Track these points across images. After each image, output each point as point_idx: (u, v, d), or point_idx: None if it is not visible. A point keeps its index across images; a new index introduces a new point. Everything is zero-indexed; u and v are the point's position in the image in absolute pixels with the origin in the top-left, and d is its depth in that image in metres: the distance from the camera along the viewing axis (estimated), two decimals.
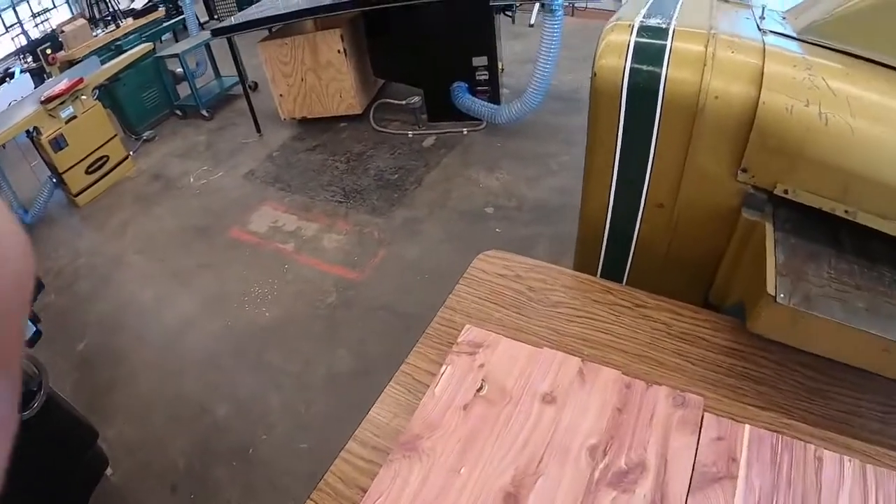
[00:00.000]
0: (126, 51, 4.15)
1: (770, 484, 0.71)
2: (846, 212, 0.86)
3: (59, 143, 3.38)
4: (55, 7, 7.64)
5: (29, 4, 7.32)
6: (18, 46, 6.58)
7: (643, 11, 1.05)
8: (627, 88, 0.97)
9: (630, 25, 0.99)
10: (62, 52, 4.43)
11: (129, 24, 4.79)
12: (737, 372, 0.90)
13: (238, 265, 2.90)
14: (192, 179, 3.69)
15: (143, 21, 4.80)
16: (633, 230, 1.18)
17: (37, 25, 7.31)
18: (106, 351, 2.50)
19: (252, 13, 3.74)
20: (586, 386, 0.87)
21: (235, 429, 2.09)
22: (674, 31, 0.97)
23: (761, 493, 0.70)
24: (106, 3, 5.33)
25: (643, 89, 0.95)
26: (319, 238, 3.00)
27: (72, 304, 2.85)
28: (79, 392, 2.30)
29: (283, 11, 3.44)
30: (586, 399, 0.84)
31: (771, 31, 1.00)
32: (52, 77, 4.24)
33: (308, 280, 2.73)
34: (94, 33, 4.63)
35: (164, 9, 5.28)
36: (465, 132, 3.67)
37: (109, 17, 5.14)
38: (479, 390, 0.89)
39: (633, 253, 1.23)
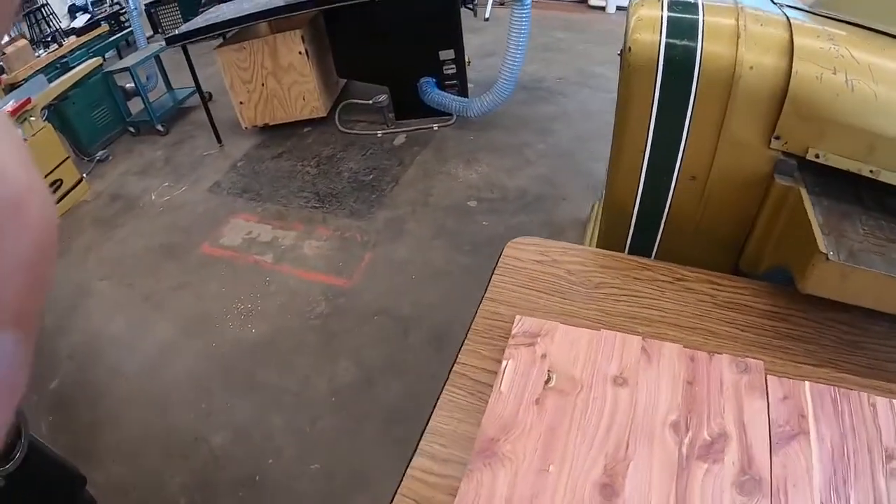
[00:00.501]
0: (73, 68, 3.92)
1: (838, 434, 0.74)
2: (871, 171, 0.91)
3: None
4: None
5: None
6: None
7: None
8: (664, 63, 0.97)
9: (659, 0, 1.01)
10: (4, 74, 4.18)
11: (72, 41, 4.55)
12: (782, 333, 0.92)
13: (214, 282, 2.74)
14: (153, 197, 3.49)
15: (86, 38, 4.56)
16: (665, 205, 1.17)
17: None
18: (82, 388, 2.31)
19: (200, 22, 3.57)
20: (653, 363, 0.85)
21: (237, 457, 1.95)
22: (703, 6, 0.99)
23: (832, 443, 0.73)
24: (47, 23, 5.06)
25: (679, 63, 0.96)
26: (299, 246, 2.87)
27: (38, 340, 2.62)
28: (58, 435, 2.11)
29: (239, 15, 3.28)
30: (656, 376, 0.84)
31: (786, 6, 1.02)
32: None
33: (293, 291, 2.60)
34: (37, 54, 4.38)
35: (106, 25, 5.04)
36: (436, 128, 3.60)
37: (51, 38, 4.88)
38: (547, 382, 0.82)
39: (664, 228, 1.21)
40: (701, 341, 0.92)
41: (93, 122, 4.02)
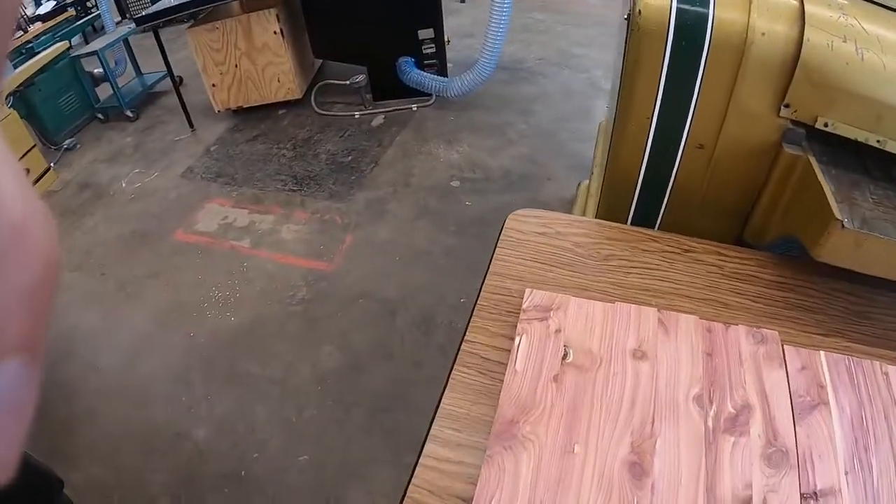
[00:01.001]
0: (39, 52, 3.74)
1: (856, 403, 0.74)
2: (878, 141, 0.91)
3: None
4: None
5: None
6: None
7: None
8: (675, 28, 0.94)
9: None
10: None
11: (38, 27, 4.34)
12: (792, 304, 0.91)
13: (190, 270, 2.64)
14: (124, 184, 3.35)
15: (52, 22, 4.36)
16: (671, 174, 1.15)
17: None
18: (56, 385, 2.19)
19: (171, 2, 3.40)
20: (671, 335, 0.83)
21: (221, 451, 1.87)
22: None
23: (851, 412, 0.73)
24: None
25: (691, 28, 0.94)
26: (277, 230, 2.78)
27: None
28: (32, 437, 1.98)
29: None
30: (675, 349, 0.81)
31: None
32: None
33: (272, 276, 2.51)
34: None
35: (73, 10, 4.82)
36: (415, 108, 3.52)
37: (16, 26, 4.68)
38: (564, 357, 0.77)
39: (668, 198, 1.19)
40: (714, 312, 0.89)
41: (60, 108, 3.84)
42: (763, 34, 0.90)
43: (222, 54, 3.40)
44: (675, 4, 0.94)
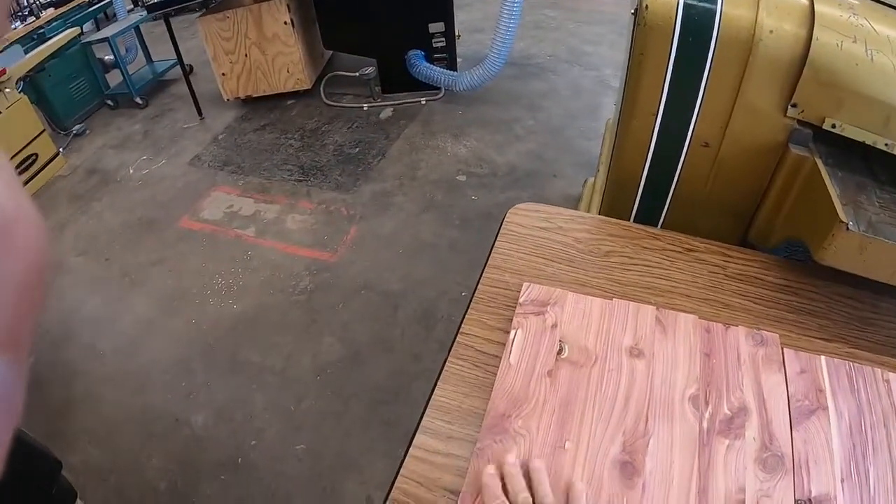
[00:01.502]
0: (50, 38, 3.74)
1: (855, 409, 0.72)
2: (886, 145, 0.89)
3: None
4: None
5: None
6: None
7: None
8: (681, 24, 0.93)
9: None
10: None
11: (49, 13, 4.35)
12: (794, 307, 0.90)
13: (195, 257, 2.64)
14: (131, 171, 3.36)
15: (64, 8, 4.36)
16: (675, 172, 1.13)
17: None
18: (57, 368, 2.21)
19: None
20: (668, 334, 0.82)
21: (218, 438, 1.87)
22: None
23: (850, 419, 0.71)
24: None
25: (698, 24, 0.92)
26: (282, 220, 2.78)
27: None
28: (31, 417, 1.99)
29: None
30: (672, 348, 0.80)
31: None
32: None
33: (276, 265, 2.51)
34: (13, 26, 4.18)
35: None
36: (424, 102, 3.51)
37: (28, 11, 4.65)
38: (559, 353, 0.76)
39: (672, 196, 1.18)
40: (714, 313, 0.88)
41: (70, 94, 3.85)
42: (771, 32, 0.89)
43: (232, 43, 3.40)
44: (682, 0, 0.92)
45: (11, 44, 3.77)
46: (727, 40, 0.91)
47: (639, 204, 1.20)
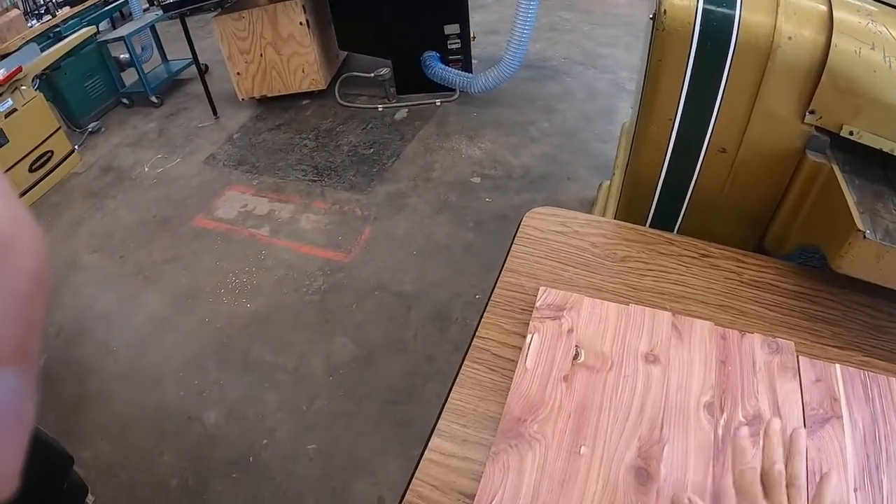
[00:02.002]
0: (66, 37, 3.77)
1: (869, 418, 0.72)
2: None
3: None
4: None
5: None
6: None
7: None
8: (700, 29, 0.93)
9: None
10: None
11: (66, 12, 4.40)
12: (809, 315, 0.89)
13: (209, 255, 2.66)
14: (146, 169, 3.39)
15: (80, 7, 4.41)
16: (692, 178, 1.13)
17: None
18: (70, 364, 2.23)
19: None
20: (684, 340, 0.82)
21: (230, 437, 1.88)
22: None
23: (864, 428, 0.71)
24: None
25: (716, 30, 0.93)
26: (296, 219, 2.79)
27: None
28: (44, 413, 2.02)
29: None
30: (688, 354, 0.80)
31: None
32: None
33: (290, 265, 2.52)
34: (30, 24, 4.23)
35: None
36: (439, 103, 3.50)
37: (44, 9, 4.71)
38: (575, 358, 0.76)
39: (688, 202, 1.18)
40: (730, 319, 0.88)
41: (85, 92, 3.89)
42: (790, 38, 0.89)
43: (248, 43, 3.41)
44: (700, 5, 0.92)
45: (28, 42, 3.82)
46: (746, 46, 0.91)
47: (655, 208, 1.20)
